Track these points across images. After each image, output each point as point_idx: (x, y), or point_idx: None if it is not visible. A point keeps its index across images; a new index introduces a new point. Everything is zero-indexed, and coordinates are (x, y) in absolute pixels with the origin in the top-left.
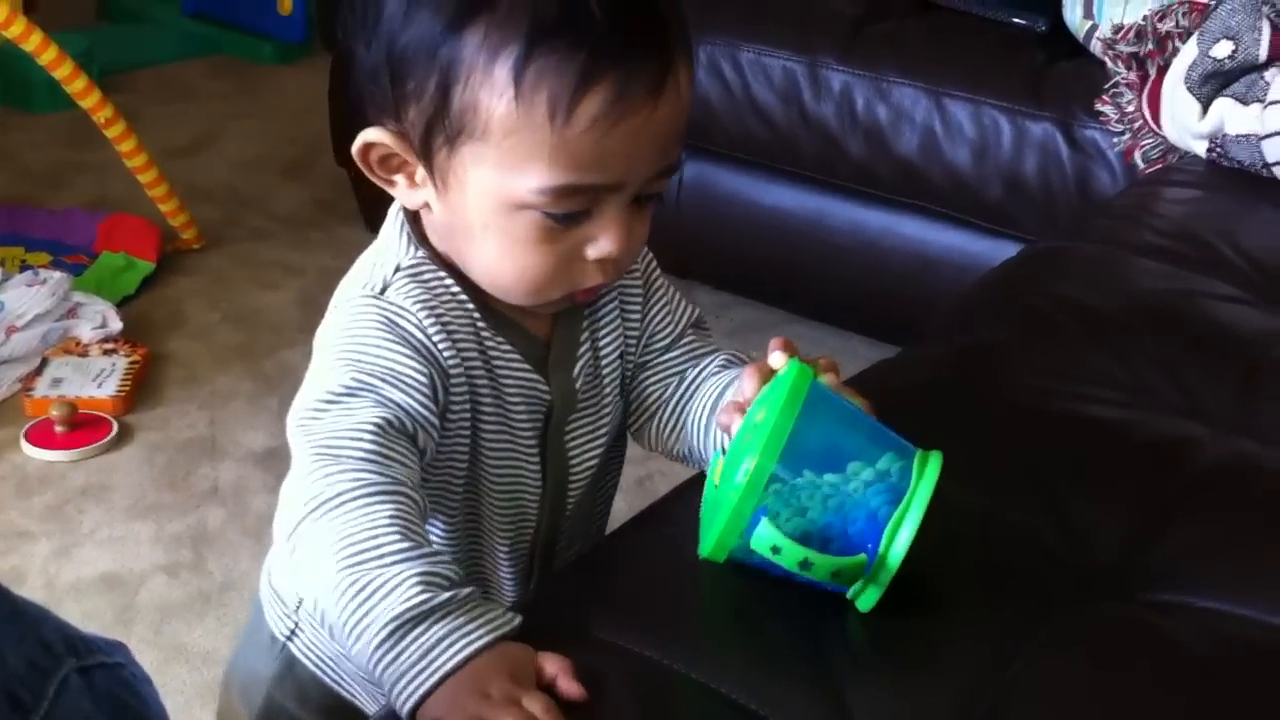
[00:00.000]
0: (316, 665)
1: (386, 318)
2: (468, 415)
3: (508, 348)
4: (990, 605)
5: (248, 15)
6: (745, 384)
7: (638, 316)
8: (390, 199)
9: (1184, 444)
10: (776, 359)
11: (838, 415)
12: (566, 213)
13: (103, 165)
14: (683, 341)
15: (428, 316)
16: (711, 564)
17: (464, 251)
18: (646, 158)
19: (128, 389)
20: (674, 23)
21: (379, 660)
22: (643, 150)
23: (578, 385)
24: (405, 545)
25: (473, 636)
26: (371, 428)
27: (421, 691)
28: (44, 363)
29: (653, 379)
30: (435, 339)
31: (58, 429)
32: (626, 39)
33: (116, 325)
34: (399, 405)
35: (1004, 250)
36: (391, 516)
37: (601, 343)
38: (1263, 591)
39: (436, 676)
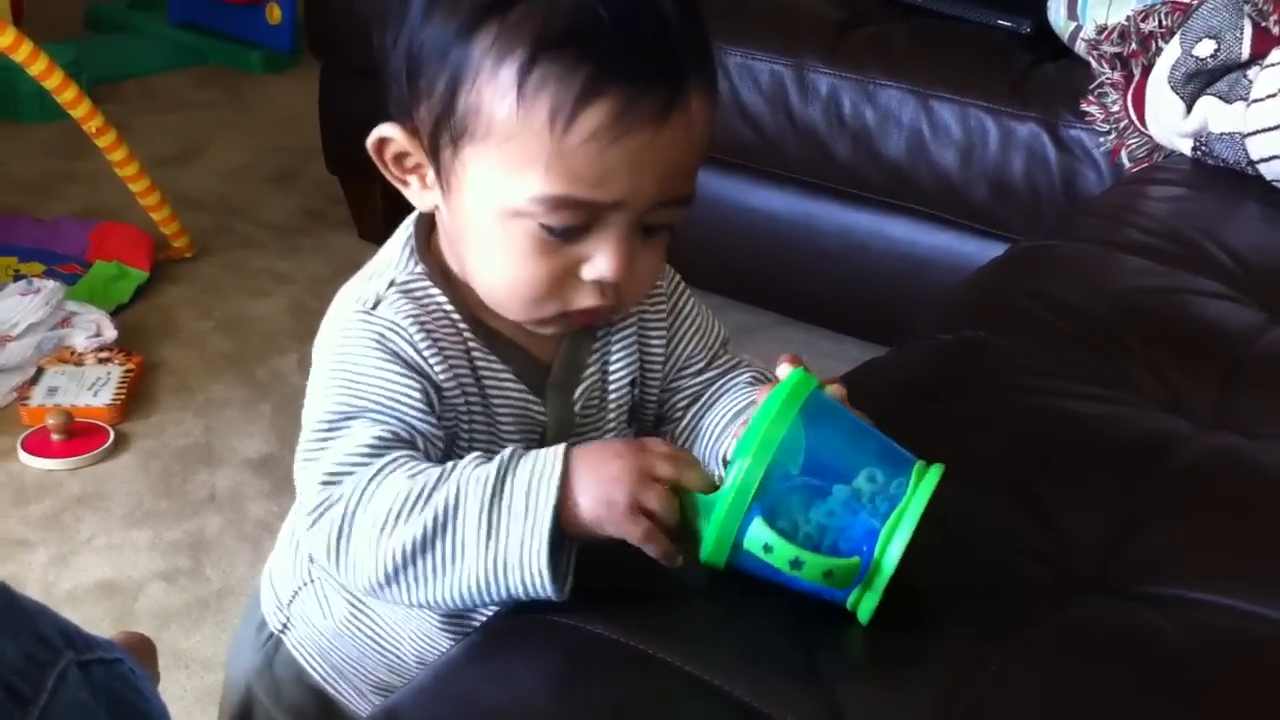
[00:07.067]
0: (307, 660)
1: (378, 334)
2: (465, 429)
3: (499, 366)
4: (974, 602)
5: (235, 25)
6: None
7: (660, 344)
8: (387, 211)
9: (1168, 439)
10: (782, 370)
11: (841, 425)
12: (563, 226)
13: (92, 175)
14: (715, 364)
15: (419, 332)
16: (702, 567)
17: (465, 259)
18: (649, 182)
19: (123, 397)
20: (692, 50)
21: (498, 528)
22: (644, 173)
23: (577, 409)
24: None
25: (549, 457)
26: (375, 441)
27: (553, 502)
28: (39, 372)
29: (682, 396)
30: (426, 354)
31: (54, 437)
32: (635, 58)
33: (111, 334)
34: (397, 420)
35: (992, 251)
36: (416, 469)
37: (612, 368)
38: (1246, 583)
39: (556, 483)
